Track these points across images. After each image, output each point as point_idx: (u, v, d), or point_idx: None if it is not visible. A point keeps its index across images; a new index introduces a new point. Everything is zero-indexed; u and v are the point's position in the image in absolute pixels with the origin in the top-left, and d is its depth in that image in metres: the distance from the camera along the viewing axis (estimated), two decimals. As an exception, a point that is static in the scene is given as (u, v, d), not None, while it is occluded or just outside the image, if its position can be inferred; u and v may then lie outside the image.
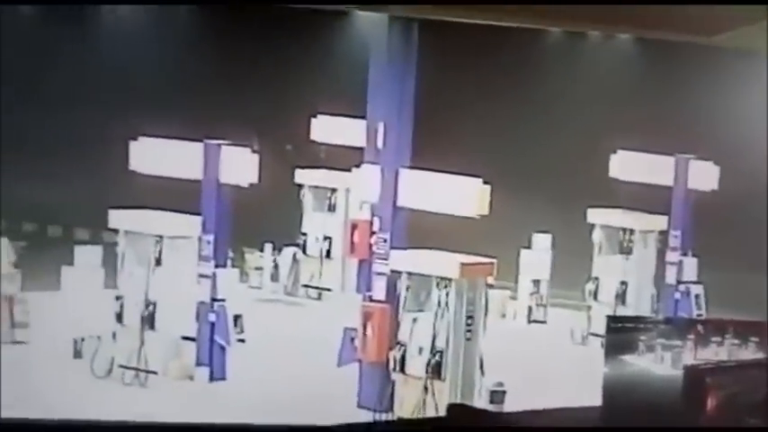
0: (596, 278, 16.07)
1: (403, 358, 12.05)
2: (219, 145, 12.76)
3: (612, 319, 8.42)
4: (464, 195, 11.96)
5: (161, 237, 12.75)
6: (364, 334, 12.17)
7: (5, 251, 14.20)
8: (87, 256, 13.62)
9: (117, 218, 13.01)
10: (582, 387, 9.74)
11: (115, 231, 13.08)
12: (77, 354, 13.23)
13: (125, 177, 13.22)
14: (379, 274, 12.33)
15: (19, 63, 21.00)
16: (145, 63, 22.03)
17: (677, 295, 15.42)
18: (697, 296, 15.22)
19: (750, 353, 6.63)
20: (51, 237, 18.51)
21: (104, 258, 13.54)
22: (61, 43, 21.90)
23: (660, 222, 15.79)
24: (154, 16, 22.44)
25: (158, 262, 12.76)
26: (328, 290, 17.63)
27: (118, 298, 12.88)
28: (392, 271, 12.24)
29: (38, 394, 11.81)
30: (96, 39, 22.62)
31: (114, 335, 12.85)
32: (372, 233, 12.85)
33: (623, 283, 15.86)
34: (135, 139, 13.07)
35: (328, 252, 17.66)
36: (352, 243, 15.25)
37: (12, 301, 13.71)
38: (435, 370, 11.91)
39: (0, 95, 19.62)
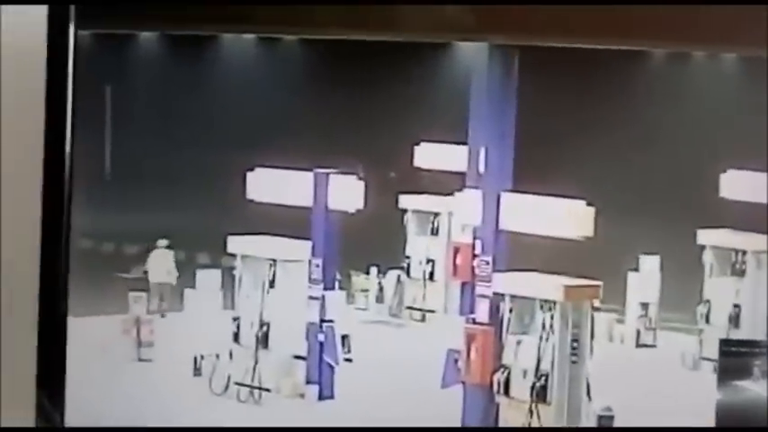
0: (708, 301, 15.63)
1: (507, 381, 11.96)
2: (328, 174, 13.12)
3: (726, 343, 8.19)
4: (567, 217, 11.85)
5: (274, 261, 13.32)
6: (468, 356, 12.15)
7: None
8: (208, 279, 14.29)
9: (235, 243, 13.70)
10: (693, 413, 9.50)
11: (233, 256, 13.68)
12: (197, 371, 13.73)
13: (243, 206, 13.75)
14: (482, 296, 12.31)
15: (142, 94, 21.93)
16: (259, 98, 22.76)
17: (794, 318, 14.85)
18: (815, 318, 14.63)
19: None
20: (176, 261, 19.33)
21: (223, 281, 14.10)
22: (179, 76, 22.79)
23: (775, 243, 15.29)
24: (266, 53, 23.15)
25: (272, 284, 13.30)
26: (432, 311, 17.69)
27: (235, 319, 13.43)
28: (495, 293, 12.19)
29: (160, 410, 12.27)
30: (212, 73, 23.46)
31: (231, 354, 13.36)
32: (475, 256, 12.84)
33: (736, 305, 15.38)
34: (252, 169, 13.57)
35: (431, 274, 17.75)
36: (455, 266, 15.25)
37: (138, 321, 14.34)
38: (540, 393, 11.79)
39: (131, 132, 20.57)
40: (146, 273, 16.59)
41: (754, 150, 16.68)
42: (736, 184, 15.66)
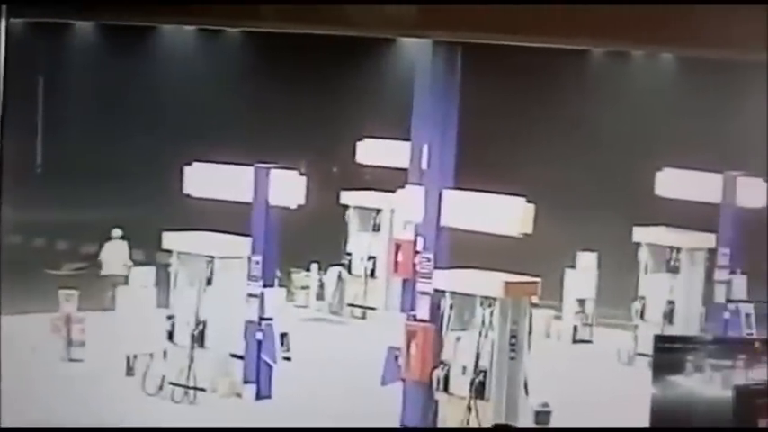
0: (643, 297, 15.87)
1: (447, 378, 12.01)
2: (268, 168, 12.97)
3: (660, 339, 8.30)
4: (507, 215, 11.92)
5: (212, 257, 13.02)
6: (408, 353, 12.16)
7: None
8: (141, 276, 13.94)
9: (170, 239, 13.33)
10: (629, 408, 9.62)
11: (168, 252, 13.36)
12: (130, 371, 13.47)
13: (179, 201, 13.53)
14: (423, 293, 12.32)
15: (77, 90, 21.46)
16: (198, 91, 22.43)
17: (726, 314, 15.15)
18: (747, 315, 14.95)
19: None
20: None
21: (158, 278, 13.81)
22: (118, 72, 22.34)
23: (708, 240, 15.58)
24: (206, 45, 22.82)
25: (209, 282, 13.00)
26: (373, 309, 17.68)
27: (170, 317, 13.13)
28: (436, 290, 12.22)
29: (92, 410, 12.03)
30: (152, 68, 23.07)
31: (165, 353, 13.08)
32: (416, 253, 12.85)
33: (670, 302, 15.64)
34: (189, 164, 13.36)
35: (372, 271, 17.74)
36: (396, 262, 15.25)
37: (69, 320, 14.05)
38: (479, 390, 11.85)
39: (63, 124, 20.09)
40: (96, 265, 16.32)
41: (689, 149, 17.01)
42: (671, 183, 15.93)
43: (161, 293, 13.62)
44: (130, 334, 13.43)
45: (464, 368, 11.95)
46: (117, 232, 16.28)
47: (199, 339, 12.91)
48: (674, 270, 15.74)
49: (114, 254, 16.17)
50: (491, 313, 11.87)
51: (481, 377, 11.83)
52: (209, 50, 22.52)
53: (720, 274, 15.35)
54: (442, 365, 12.02)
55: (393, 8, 7.46)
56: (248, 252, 12.95)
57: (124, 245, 16.19)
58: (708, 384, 6.86)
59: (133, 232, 16.66)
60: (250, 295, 12.88)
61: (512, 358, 11.93)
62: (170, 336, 13.04)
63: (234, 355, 12.94)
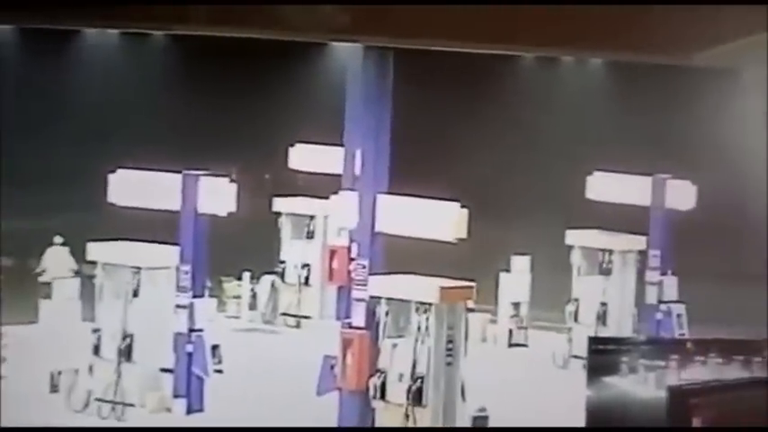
0: (576, 300, 16.01)
1: (383, 385, 11.92)
2: (197, 176, 12.69)
3: (594, 341, 8.33)
4: (442, 220, 11.90)
5: (139, 268, 12.71)
6: (344, 361, 12.04)
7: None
8: (65, 288, 13.58)
9: (95, 250, 13.00)
10: (565, 410, 9.64)
11: (93, 264, 13.02)
12: (54, 388, 13.06)
13: (104, 210, 13.19)
14: (358, 300, 12.22)
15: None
16: (123, 96, 21.97)
17: (658, 315, 15.35)
18: (679, 315, 15.17)
19: (735, 371, 6.57)
20: (30, 269, 18.52)
21: (82, 291, 13.46)
22: (40, 76, 21.80)
23: (639, 242, 15.78)
24: (132, 49, 22.39)
25: (135, 293, 12.69)
26: (307, 317, 17.49)
27: (95, 331, 12.79)
28: (371, 297, 12.13)
29: (15, 429, 11.62)
30: (76, 72, 22.55)
31: (91, 368, 12.74)
32: (351, 259, 12.74)
33: (603, 304, 15.81)
34: (113, 171, 13.04)
35: (307, 279, 17.55)
36: (331, 270, 15.10)
37: None
38: (416, 396, 11.78)
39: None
40: (42, 272, 15.91)
41: (619, 153, 17.24)
42: (603, 186, 16.11)
43: (86, 306, 13.26)
44: (54, 348, 13.04)
45: (401, 375, 11.87)
46: (58, 239, 15.94)
47: (126, 353, 12.57)
48: (606, 272, 15.91)
49: (57, 260, 15.75)
50: (427, 319, 11.83)
51: (418, 384, 11.76)
52: (138, 55, 22.10)
53: (651, 276, 15.55)
54: (378, 373, 11.92)
55: (325, 12, 7.36)
56: (177, 262, 12.66)
57: (66, 251, 15.82)
58: (642, 385, 6.89)
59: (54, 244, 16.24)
60: (179, 306, 12.58)
61: (448, 364, 11.89)
62: (96, 350, 12.70)
63: (163, 369, 12.64)
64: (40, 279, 15.65)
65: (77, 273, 14.80)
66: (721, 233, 17.30)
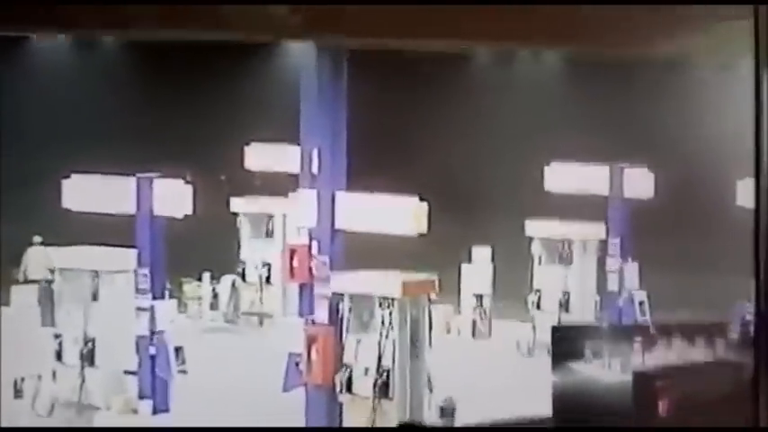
0: (538, 289, 16.14)
1: (349, 380, 11.92)
2: (151, 178, 12.61)
3: (557, 329, 8.39)
4: (401, 214, 11.92)
5: (97, 272, 12.66)
6: (309, 358, 12.02)
7: None
8: (23, 295, 13.58)
9: (52, 255, 13.05)
10: (532, 398, 9.69)
11: (51, 269, 12.95)
12: (18, 394, 12.99)
13: (58, 215, 13.05)
14: (321, 296, 12.20)
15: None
16: (73, 100, 21.71)
17: (620, 302, 15.51)
18: (641, 302, 15.33)
19: (698, 354, 6.66)
20: None
21: (41, 297, 13.38)
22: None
23: (598, 231, 15.92)
24: (81, 52, 22.12)
25: (95, 297, 12.64)
26: (270, 316, 17.43)
27: (56, 336, 12.76)
28: (333, 293, 12.12)
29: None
30: (24, 76, 22.23)
31: (54, 373, 12.70)
32: (311, 257, 12.72)
33: (565, 292, 15.96)
34: (67, 176, 12.92)
35: (268, 278, 17.50)
36: (292, 268, 15.08)
37: None
38: (383, 390, 11.80)
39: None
40: (24, 272, 15.81)
41: (575, 143, 17.39)
42: (560, 177, 16.23)
43: (45, 312, 13.18)
44: (16, 356, 12.89)
45: (366, 369, 11.88)
46: (37, 238, 15.80)
47: (88, 358, 12.56)
48: (566, 261, 16.05)
49: (37, 260, 15.59)
50: (390, 313, 11.84)
51: (384, 377, 11.78)
52: (88, 58, 21.85)
53: (612, 264, 15.70)
54: (344, 368, 11.92)
55: (277, 12, 7.31)
56: (134, 265, 12.59)
57: (45, 250, 15.59)
58: (607, 370, 6.96)
59: (11, 249, 16.07)
60: (139, 309, 12.53)
61: (414, 356, 11.92)
62: (58, 356, 12.67)
63: (127, 372, 12.58)
64: (19, 279, 15.54)
65: (52, 272, 14.65)
66: (681, 220, 17.51)
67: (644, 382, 6.62)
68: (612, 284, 15.61)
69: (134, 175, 12.63)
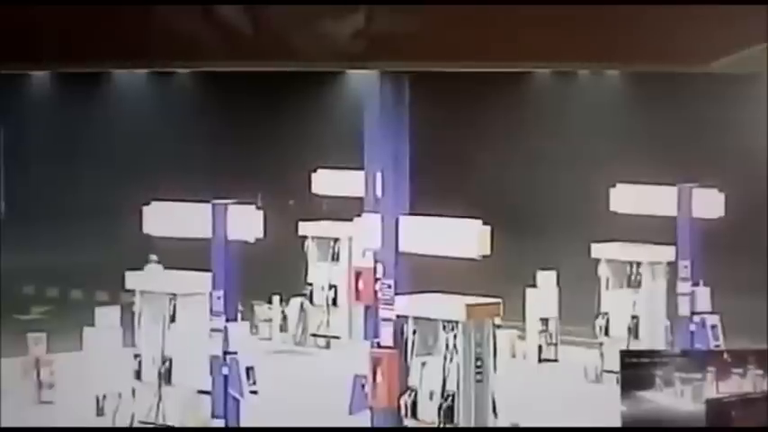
0: (606, 313, 15.87)
1: (414, 403, 11.89)
2: (226, 204, 12.92)
3: (626, 354, 8.25)
4: (464, 237, 11.90)
5: (174, 295, 13.08)
6: (374, 380, 12.03)
7: None
8: (107, 316, 14.00)
9: (133, 279, 13.54)
10: (599, 425, 9.55)
11: (132, 292, 13.46)
12: (100, 411, 13.50)
13: (139, 240, 13.52)
14: (386, 319, 12.22)
15: (35, 132, 21.31)
16: (152, 131, 22.42)
17: (692, 327, 15.11)
18: (713, 327, 14.93)
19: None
20: (73, 299, 19.02)
21: (123, 318, 13.87)
22: (72, 114, 22.27)
23: (667, 253, 15.62)
24: (157, 87, 22.80)
25: (173, 319, 13.05)
26: (336, 338, 17.53)
27: (136, 356, 13.22)
28: (398, 316, 12.12)
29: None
30: (106, 109, 23.05)
31: (134, 391, 13.16)
32: (376, 280, 12.76)
33: (634, 317, 15.66)
34: (147, 203, 13.38)
35: (334, 300, 17.63)
36: (357, 290, 15.13)
37: (38, 362, 14.11)
38: (448, 414, 11.75)
39: (22, 171, 20.02)
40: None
41: (641, 165, 17.16)
42: (627, 198, 16.00)
43: (126, 333, 13.66)
44: (99, 374, 13.51)
45: (431, 393, 11.85)
46: (154, 257, 16.01)
47: (166, 377, 12.96)
48: (635, 285, 15.77)
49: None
50: (455, 336, 11.80)
51: (449, 401, 11.73)
52: (161, 92, 22.53)
53: (683, 287, 15.36)
54: (409, 391, 11.90)
55: (339, 41, 7.41)
56: (209, 287, 12.88)
57: (160, 268, 15.71)
58: (678, 399, 6.80)
59: (96, 273, 16.50)
60: (213, 330, 12.81)
61: (478, 381, 11.85)
62: (137, 374, 13.12)
63: (201, 391, 12.85)
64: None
65: (101, 305, 15.08)
66: (753, 240, 17.13)
67: (718, 411, 6.43)
68: (683, 308, 15.25)
69: (209, 201, 12.95)
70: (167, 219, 13.13)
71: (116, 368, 13.28)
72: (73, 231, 20.43)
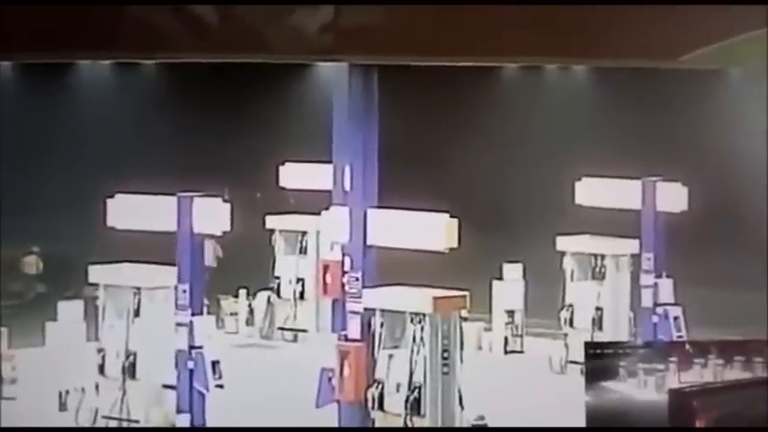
0: (570, 305, 16.04)
1: (381, 396, 11.96)
2: (192, 197, 12.85)
3: (590, 346, 8.36)
4: (432, 230, 11.97)
5: (138, 288, 12.98)
6: (341, 373, 12.09)
7: None
8: (69, 311, 13.84)
9: (96, 273, 13.36)
10: (564, 416, 9.67)
11: (95, 286, 13.32)
12: (63, 407, 13.38)
13: (103, 233, 13.42)
14: (353, 312, 12.27)
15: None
16: (117, 123, 22.25)
17: (655, 318, 15.34)
18: (676, 318, 15.16)
19: (736, 373, 6.58)
20: (35, 293, 18.81)
21: (86, 312, 13.73)
22: (36, 105, 22.07)
23: (631, 246, 15.81)
24: (121, 78, 22.65)
25: (137, 313, 12.96)
26: (304, 331, 17.55)
27: (100, 350, 13.12)
28: (366, 309, 12.18)
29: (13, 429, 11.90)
30: (70, 100, 22.83)
31: (97, 386, 13.06)
32: (344, 273, 12.80)
33: (598, 308, 15.84)
34: (111, 196, 13.26)
35: (302, 294, 17.64)
36: (325, 284, 15.16)
37: (0, 358, 13.95)
38: (414, 406, 11.83)
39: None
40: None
41: (606, 158, 17.32)
42: (592, 191, 16.15)
43: (90, 327, 13.54)
44: (62, 369, 13.39)
45: (398, 385, 11.92)
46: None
47: (130, 371, 12.88)
48: (599, 277, 15.94)
49: None
50: (422, 329, 11.88)
51: (416, 393, 11.81)
52: (125, 83, 22.34)
53: (646, 279, 15.55)
54: (376, 384, 11.96)
55: (308, 33, 7.40)
56: (175, 281, 12.82)
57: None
58: (641, 389, 6.91)
59: (59, 266, 16.37)
60: (179, 324, 12.74)
61: (445, 373, 11.94)
62: (101, 369, 13.03)
63: (166, 386, 12.78)
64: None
65: (64, 300, 15.00)
66: (715, 234, 17.35)
67: (680, 401, 6.54)
68: (647, 300, 15.45)
69: (175, 194, 12.87)
70: (132, 212, 13.04)
71: (79, 363, 13.17)
72: (35, 224, 20.23)
